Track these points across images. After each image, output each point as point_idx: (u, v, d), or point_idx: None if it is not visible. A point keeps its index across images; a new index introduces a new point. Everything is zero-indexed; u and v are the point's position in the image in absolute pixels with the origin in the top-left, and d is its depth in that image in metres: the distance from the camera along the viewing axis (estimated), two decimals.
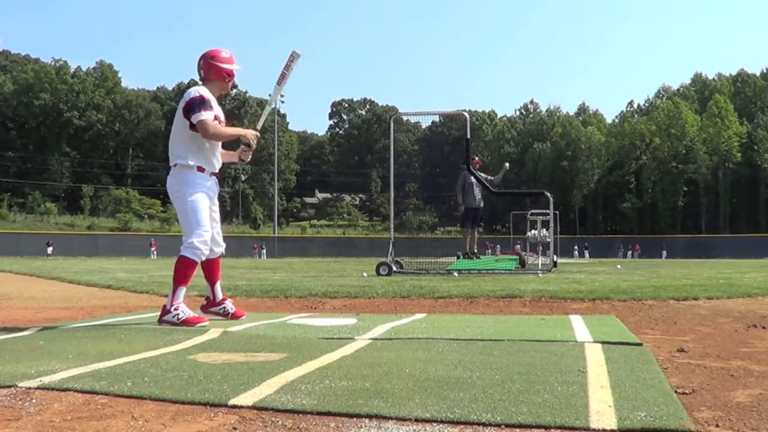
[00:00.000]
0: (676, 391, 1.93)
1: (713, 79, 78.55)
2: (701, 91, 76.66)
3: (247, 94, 75.20)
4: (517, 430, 1.54)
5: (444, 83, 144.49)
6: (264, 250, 49.29)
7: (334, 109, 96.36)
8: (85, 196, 66.24)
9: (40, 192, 64.47)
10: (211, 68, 3.84)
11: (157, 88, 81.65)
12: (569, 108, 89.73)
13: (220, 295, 4.01)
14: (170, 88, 78.94)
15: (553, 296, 5.63)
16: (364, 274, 10.28)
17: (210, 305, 4.00)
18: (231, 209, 70.71)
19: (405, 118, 78.59)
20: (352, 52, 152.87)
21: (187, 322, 3.57)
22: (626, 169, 70.36)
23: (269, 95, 4.08)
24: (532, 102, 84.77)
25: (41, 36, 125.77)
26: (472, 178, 11.33)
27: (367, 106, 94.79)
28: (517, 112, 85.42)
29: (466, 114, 11.63)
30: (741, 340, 3.13)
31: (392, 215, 12.49)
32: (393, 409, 1.68)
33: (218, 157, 3.90)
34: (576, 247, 49.66)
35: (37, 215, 60.09)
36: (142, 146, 76.90)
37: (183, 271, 3.70)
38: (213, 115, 3.72)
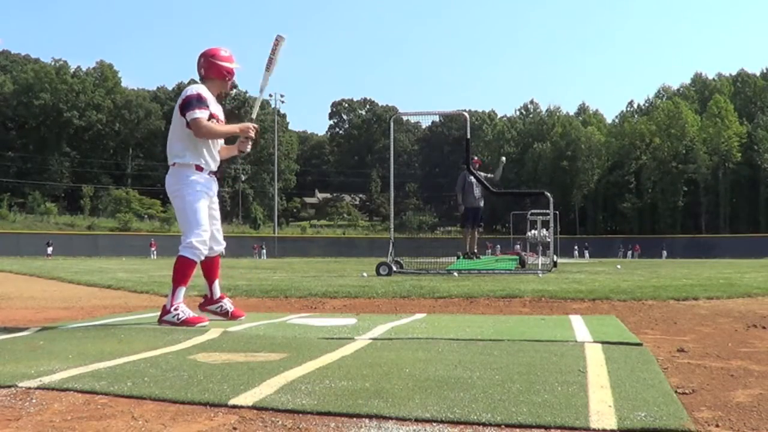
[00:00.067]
0: (676, 391, 1.93)
1: (713, 79, 78.56)
2: (701, 91, 76.67)
3: (247, 94, 75.22)
4: (517, 430, 1.54)
5: (444, 83, 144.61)
6: (264, 250, 49.31)
7: (334, 109, 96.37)
8: (85, 196, 66.25)
9: (40, 192, 64.48)
10: (210, 67, 3.84)
11: (157, 88, 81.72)
12: (569, 108, 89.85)
13: (217, 293, 4.01)
14: (170, 88, 78.94)
15: (553, 296, 5.63)
16: (364, 274, 10.28)
17: (207, 303, 4.00)
18: (231, 209, 70.72)
19: (405, 118, 78.60)
20: (352, 52, 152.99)
21: (187, 322, 3.57)
22: (626, 169, 70.36)
23: (260, 83, 4.03)
24: (532, 102, 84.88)
25: (41, 36, 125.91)
26: (472, 178, 11.33)
27: (367, 106, 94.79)
28: (517, 112, 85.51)
29: (466, 114, 11.64)
30: (741, 340, 3.13)
31: (392, 215, 12.49)
32: (393, 409, 1.68)
33: (216, 156, 3.88)
34: (576, 247, 49.66)
35: (37, 215, 60.10)
36: (142, 146, 76.90)
37: (182, 270, 3.69)
38: (208, 114, 3.69)
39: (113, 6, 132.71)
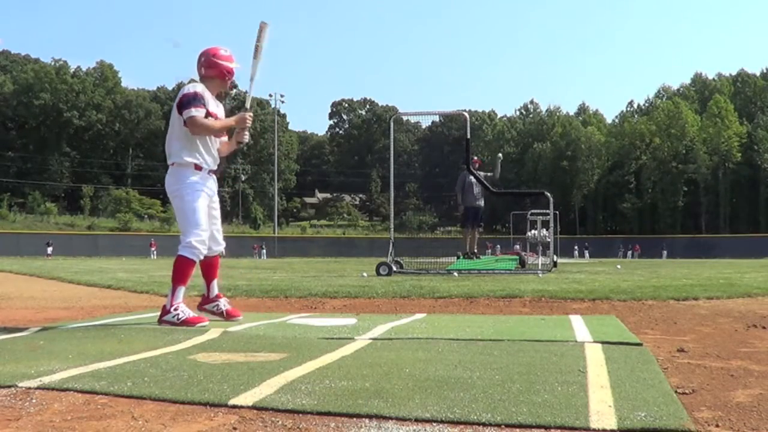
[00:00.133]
0: (676, 391, 1.93)
1: (713, 79, 78.56)
2: (701, 91, 76.68)
3: (247, 94, 75.12)
4: (517, 430, 1.54)
5: (444, 83, 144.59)
6: (264, 250, 49.31)
7: (334, 109, 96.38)
8: (85, 196, 66.26)
9: (40, 192, 64.49)
10: (210, 66, 3.83)
11: (157, 88, 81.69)
12: (569, 108, 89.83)
13: (214, 292, 4.00)
14: (170, 88, 78.91)
15: (553, 296, 5.63)
16: (364, 274, 10.28)
17: (204, 302, 4.00)
18: (231, 209, 70.71)
19: (405, 118, 78.62)
20: (352, 52, 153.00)
21: (187, 322, 3.56)
22: (626, 169, 70.37)
23: (249, 72, 4.00)
24: (532, 102, 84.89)
25: (41, 36, 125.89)
26: (472, 178, 11.33)
27: (367, 106, 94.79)
28: (517, 112, 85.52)
29: (466, 114, 11.64)
30: (741, 340, 3.13)
31: (392, 215, 12.49)
32: (393, 409, 1.68)
33: (215, 154, 3.87)
34: (576, 247, 49.66)
35: (37, 215, 60.10)
36: (142, 146, 76.89)
37: (181, 270, 3.69)
38: (204, 112, 3.69)
39: (113, 6, 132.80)
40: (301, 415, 1.67)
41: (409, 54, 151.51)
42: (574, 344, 2.86)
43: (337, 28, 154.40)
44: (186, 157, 3.72)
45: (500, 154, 12.88)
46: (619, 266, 16.01)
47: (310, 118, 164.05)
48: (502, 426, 1.56)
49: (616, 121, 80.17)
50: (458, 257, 12.17)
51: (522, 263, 12.05)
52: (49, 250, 41.18)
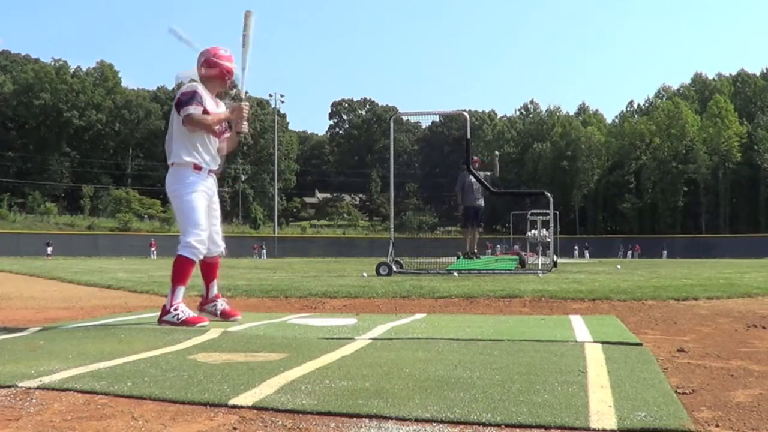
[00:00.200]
0: (676, 391, 1.93)
1: (713, 79, 78.57)
2: (701, 91, 76.68)
3: (247, 94, 75.11)
4: (517, 430, 1.54)
5: (444, 83, 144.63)
6: (264, 250, 49.31)
7: (334, 109, 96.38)
8: (85, 196, 66.27)
9: (40, 192, 64.49)
10: (210, 65, 3.83)
11: (157, 88, 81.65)
12: (569, 108, 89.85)
13: (213, 293, 4.00)
14: (170, 88, 78.85)
15: (553, 296, 5.63)
16: (364, 274, 10.28)
17: (203, 303, 4.00)
18: (231, 209, 70.72)
19: (405, 118, 78.64)
20: (352, 52, 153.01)
21: (186, 322, 3.56)
22: (626, 169, 70.38)
23: (240, 61, 3.96)
24: (532, 102, 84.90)
25: (41, 36, 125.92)
26: (472, 178, 11.34)
27: (367, 106, 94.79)
28: (517, 112, 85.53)
29: (466, 114, 11.64)
30: (741, 340, 3.13)
31: (392, 215, 12.49)
32: (393, 409, 1.68)
33: (215, 154, 3.86)
34: (576, 247, 49.67)
35: (37, 215, 60.10)
36: (142, 146, 76.89)
37: (181, 270, 3.69)
38: (201, 110, 3.68)
39: (113, 6, 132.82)
40: (301, 415, 1.67)
41: (409, 54, 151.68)
42: (574, 344, 2.86)
43: (337, 28, 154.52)
44: (185, 156, 3.72)
45: (497, 152, 12.89)
46: (619, 266, 16.01)
47: (310, 118, 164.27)
48: (502, 426, 1.56)
49: (616, 121, 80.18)
50: (458, 257, 12.17)
51: (522, 263, 12.05)
52: (49, 250, 41.18)
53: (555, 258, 12.46)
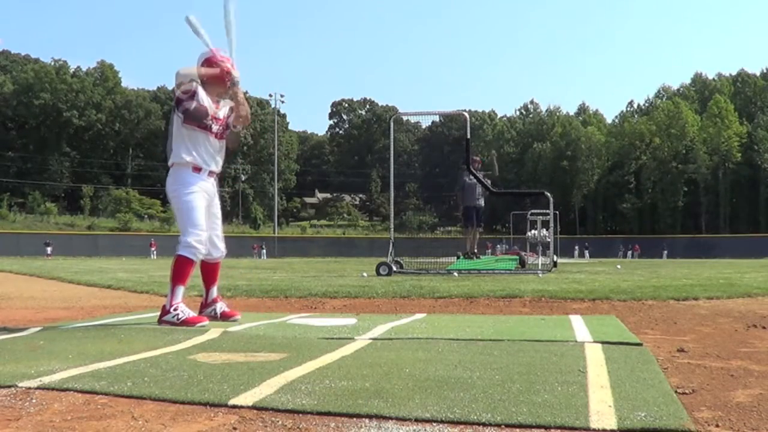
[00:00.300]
0: (676, 391, 1.93)
1: (713, 79, 78.57)
2: (701, 91, 76.68)
3: (247, 94, 75.21)
4: (517, 430, 1.54)
5: (444, 83, 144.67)
6: (264, 250, 49.31)
7: (334, 109, 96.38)
8: (85, 196, 66.28)
9: (40, 192, 64.50)
10: (210, 66, 3.82)
11: (157, 88, 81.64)
12: (569, 108, 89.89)
13: (212, 296, 3.99)
14: (170, 88, 78.77)
15: (553, 296, 5.63)
16: (364, 274, 10.28)
17: (202, 307, 3.99)
18: (231, 209, 70.71)
19: (405, 118, 78.65)
20: (352, 52, 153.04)
21: (186, 322, 3.56)
22: (626, 169, 70.38)
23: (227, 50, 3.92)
24: (532, 102, 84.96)
25: (41, 36, 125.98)
26: (472, 178, 11.34)
27: (367, 106, 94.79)
28: (517, 112, 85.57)
29: (466, 114, 11.64)
30: (741, 340, 3.13)
31: (392, 215, 12.49)
32: (393, 409, 1.68)
33: (215, 155, 3.84)
34: (576, 247, 49.66)
35: (37, 215, 60.11)
36: (142, 146, 76.89)
37: (180, 270, 3.68)
38: (194, 104, 3.68)
39: (113, 6, 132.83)
40: (301, 415, 1.67)
41: (409, 54, 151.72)
42: (574, 344, 2.86)
43: (337, 28, 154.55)
44: (185, 156, 3.72)
45: (494, 151, 12.92)
46: (619, 266, 16.01)
47: (310, 118, 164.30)
48: (502, 426, 1.56)
49: (616, 121, 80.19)
50: (458, 257, 12.18)
51: (522, 263, 12.05)
52: (49, 250, 41.17)
53: (555, 258, 12.46)
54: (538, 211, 15.41)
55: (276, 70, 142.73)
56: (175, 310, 3.61)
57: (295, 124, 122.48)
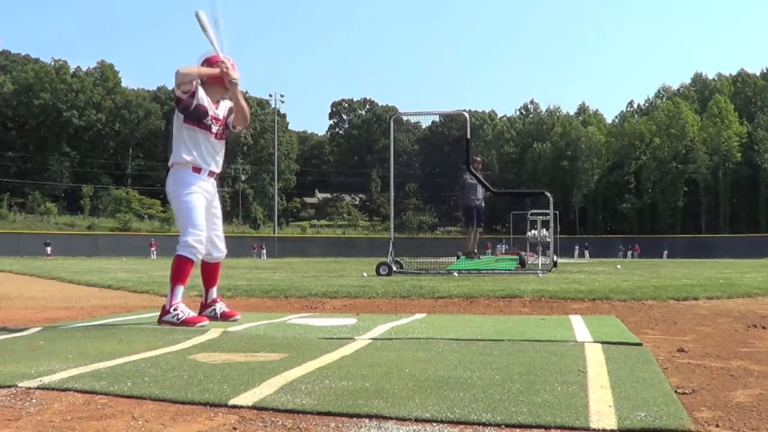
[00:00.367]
0: (676, 391, 1.93)
1: (713, 79, 78.58)
2: (701, 91, 76.69)
3: (247, 94, 75.32)
4: (517, 430, 1.54)
5: (444, 83, 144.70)
6: (264, 250, 49.30)
7: (334, 109, 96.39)
8: (85, 196, 66.29)
9: (40, 192, 64.51)
10: (210, 66, 3.82)
11: (157, 88, 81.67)
12: (569, 108, 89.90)
13: (212, 296, 3.99)
14: (170, 88, 78.76)
15: (553, 296, 5.63)
16: (364, 274, 10.28)
17: (202, 308, 3.99)
18: (231, 209, 70.72)
19: (405, 118, 78.67)
20: (352, 52, 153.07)
21: (186, 322, 3.56)
22: (626, 169, 70.38)
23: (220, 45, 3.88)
24: (532, 102, 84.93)
25: (41, 36, 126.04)
26: (473, 178, 11.34)
27: (367, 106, 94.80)
28: (517, 112, 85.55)
29: (466, 114, 11.64)
30: (741, 340, 3.13)
31: (392, 215, 12.50)
32: (393, 409, 1.68)
33: (216, 156, 3.84)
34: (576, 247, 49.65)
35: (37, 215, 60.13)
36: (142, 146, 76.92)
37: (180, 270, 3.68)
38: (194, 103, 3.69)
39: (113, 6, 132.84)
40: (301, 415, 1.67)
41: (409, 54, 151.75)
42: (574, 344, 2.86)
43: (337, 28, 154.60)
44: (185, 155, 3.72)
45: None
46: (619, 266, 16.01)
47: (310, 118, 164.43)
48: (502, 426, 1.56)
49: (616, 121, 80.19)
50: (458, 257, 12.18)
51: (522, 263, 12.05)
52: (48, 250, 41.17)
53: (555, 258, 12.45)
54: (538, 211, 15.41)
55: (276, 70, 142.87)
56: (175, 310, 3.61)
57: (295, 124, 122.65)
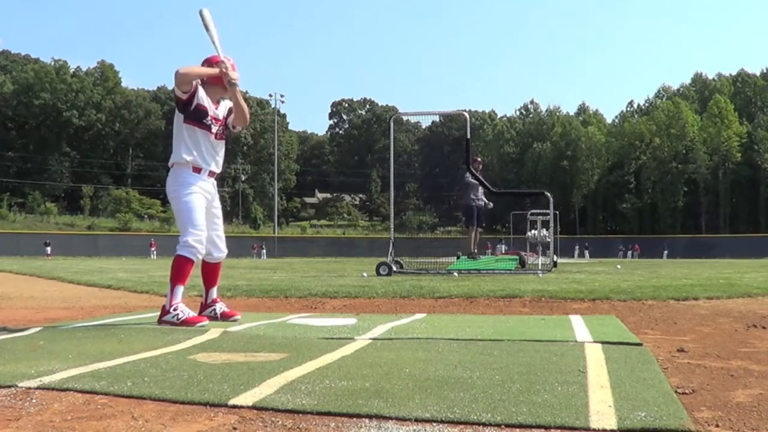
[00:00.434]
0: (676, 391, 1.93)
1: (713, 79, 78.58)
2: (701, 91, 76.69)
3: (247, 94, 75.33)
4: (517, 430, 1.54)
5: (444, 83, 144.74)
6: (264, 250, 49.31)
7: (334, 109, 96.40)
8: (85, 196, 66.30)
9: (40, 192, 64.52)
10: (211, 66, 3.82)
11: (157, 88, 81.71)
12: (569, 108, 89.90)
13: (212, 297, 3.99)
14: (170, 88, 78.74)
15: (553, 296, 5.63)
16: (364, 274, 10.28)
17: (202, 308, 3.99)
18: (231, 209, 70.72)
19: (405, 118, 78.67)
20: (352, 52, 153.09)
21: (186, 322, 3.56)
22: (626, 169, 70.38)
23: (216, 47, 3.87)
24: (532, 102, 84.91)
25: (41, 36, 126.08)
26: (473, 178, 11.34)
27: (367, 106, 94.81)
28: (517, 112, 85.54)
29: (466, 114, 11.64)
30: (741, 340, 3.13)
31: (392, 215, 12.49)
32: (393, 409, 1.68)
33: (216, 156, 3.85)
34: (576, 247, 49.64)
35: (37, 215, 60.13)
36: (142, 146, 76.92)
37: (180, 270, 3.68)
38: (194, 103, 3.69)
39: (113, 6, 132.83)
40: (301, 415, 1.67)
41: (409, 54, 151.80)
42: (574, 344, 2.86)
43: (337, 28, 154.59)
44: (185, 155, 3.71)
45: (479, 158, 13.02)
46: (619, 266, 16.01)
47: (310, 118, 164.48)
48: (502, 426, 1.56)
49: (616, 121, 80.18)
50: (458, 257, 12.18)
51: (522, 263, 12.05)
52: (48, 250, 41.18)
53: (555, 258, 12.45)
54: (538, 211, 15.41)
55: (276, 70, 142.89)
56: (174, 310, 3.61)
57: (295, 124, 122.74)
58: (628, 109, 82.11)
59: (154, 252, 43.66)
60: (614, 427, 1.53)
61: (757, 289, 6.45)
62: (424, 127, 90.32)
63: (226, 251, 3.99)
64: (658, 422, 1.55)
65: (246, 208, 73.95)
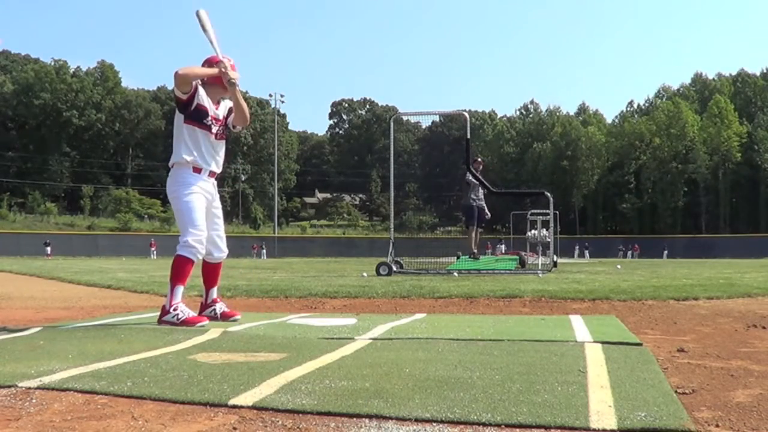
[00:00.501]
0: (676, 391, 1.93)
1: (713, 79, 78.56)
2: (701, 91, 76.68)
3: (247, 94, 75.35)
4: (517, 430, 1.54)
5: (444, 83, 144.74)
6: (264, 250, 49.31)
7: (334, 109, 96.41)
8: (85, 196, 66.30)
9: (40, 192, 64.51)
10: (211, 66, 3.82)
11: (157, 88, 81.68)
12: (569, 108, 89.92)
13: (212, 297, 3.99)
14: (170, 88, 78.72)
15: (553, 296, 5.63)
16: (364, 274, 10.28)
17: (202, 308, 3.98)
18: (231, 209, 70.71)
19: (405, 118, 78.72)
20: (352, 52, 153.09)
21: (186, 322, 3.56)
22: (626, 169, 70.37)
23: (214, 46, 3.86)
24: (532, 102, 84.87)
25: (41, 36, 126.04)
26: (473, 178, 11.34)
27: (367, 106, 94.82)
28: (517, 112, 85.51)
29: (466, 114, 11.65)
30: (741, 340, 3.13)
31: (392, 215, 12.49)
32: (393, 409, 1.68)
33: (216, 156, 3.85)
34: (576, 247, 49.63)
35: (37, 215, 60.12)
36: (142, 146, 76.90)
37: (180, 270, 3.68)
38: (195, 103, 3.69)
39: (113, 6, 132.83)
40: (301, 415, 1.67)
41: (409, 54, 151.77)
42: (574, 344, 2.86)
43: (337, 28, 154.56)
44: (185, 155, 3.71)
45: (479, 157, 13.03)
46: (619, 266, 16.01)
47: (310, 118, 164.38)
48: (502, 426, 1.56)
49: (616, 121, 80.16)
50: (458, 257, 12.18)
51: (522, 263, 12.05)
52: (48, 250, 41.18)
53: (555, 258, 12.45)
54: (538, 211, 15.41)
55: (276, 70, 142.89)
56: (174, 310, 3.61)
57: (295, 124, 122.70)
58: (628, 109, 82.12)
59: (154, 252, 43.66)
60: (614, 427, 1.53)
61: (757, 289, 6.45)
62: (424, 127, 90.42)
63: (226, 251, 3.99)
64: (658, 422, 1.55)
65: (246, 208, 73.95)
